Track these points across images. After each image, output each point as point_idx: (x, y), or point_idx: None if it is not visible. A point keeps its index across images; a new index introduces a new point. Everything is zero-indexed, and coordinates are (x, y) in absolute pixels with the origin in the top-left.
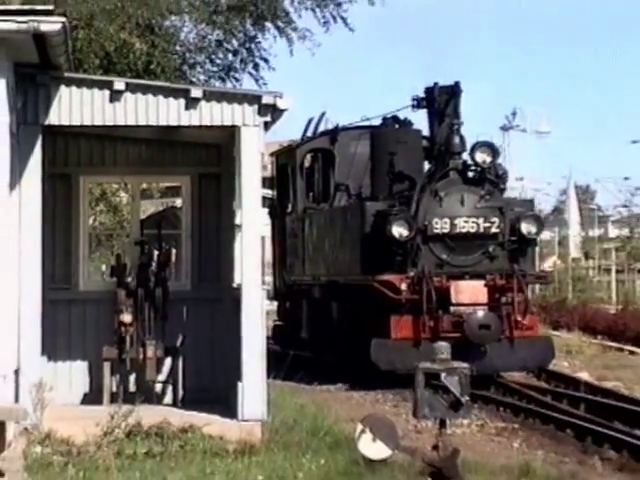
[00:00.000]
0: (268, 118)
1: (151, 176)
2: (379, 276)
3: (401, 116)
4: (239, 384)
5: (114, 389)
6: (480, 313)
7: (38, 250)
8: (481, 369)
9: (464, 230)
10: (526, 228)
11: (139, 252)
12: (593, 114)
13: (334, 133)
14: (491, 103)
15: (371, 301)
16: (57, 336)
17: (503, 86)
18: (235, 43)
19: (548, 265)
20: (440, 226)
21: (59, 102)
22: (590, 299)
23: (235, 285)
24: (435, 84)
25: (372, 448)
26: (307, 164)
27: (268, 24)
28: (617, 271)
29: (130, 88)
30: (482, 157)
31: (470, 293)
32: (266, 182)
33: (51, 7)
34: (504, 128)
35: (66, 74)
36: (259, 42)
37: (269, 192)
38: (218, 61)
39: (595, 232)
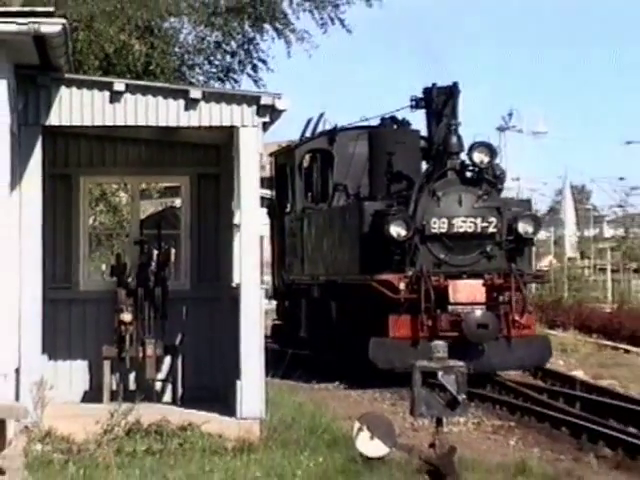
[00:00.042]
0: (267, 119)
1: (151, 176)
2: (377, 275)
3: (399, 116)
4: (238, 382)
5: (114, 387)
6: (478, 312)
7: (38, 250)
8: (479, 368)
9: (462, 230)
10: (523, 228)
11: (139, 252)
12: (589, 115)
13: (332, 133)
14: (488, 104)
15: (369, 300)
16: (57, 335)
17: (500, 87)
18: (234, 44)
19: (544, 265)
20: (438, 226)
21: (59, 103)
22: (586, 298)
23: (234, 284)
24: (433, 85)
25: (370, 446)
26: (306, 164)
27: (266, 26)
28: (612, 271)
29: (130, 89)
30: (480, 157)
31: (468, 292)
32: (265, 182)
33: (51, 9)
34: (501, 129)
35: (66, 75)
36: (257, 44)
37: (268, 192)
38: (217, 62)
39: (591, 232)
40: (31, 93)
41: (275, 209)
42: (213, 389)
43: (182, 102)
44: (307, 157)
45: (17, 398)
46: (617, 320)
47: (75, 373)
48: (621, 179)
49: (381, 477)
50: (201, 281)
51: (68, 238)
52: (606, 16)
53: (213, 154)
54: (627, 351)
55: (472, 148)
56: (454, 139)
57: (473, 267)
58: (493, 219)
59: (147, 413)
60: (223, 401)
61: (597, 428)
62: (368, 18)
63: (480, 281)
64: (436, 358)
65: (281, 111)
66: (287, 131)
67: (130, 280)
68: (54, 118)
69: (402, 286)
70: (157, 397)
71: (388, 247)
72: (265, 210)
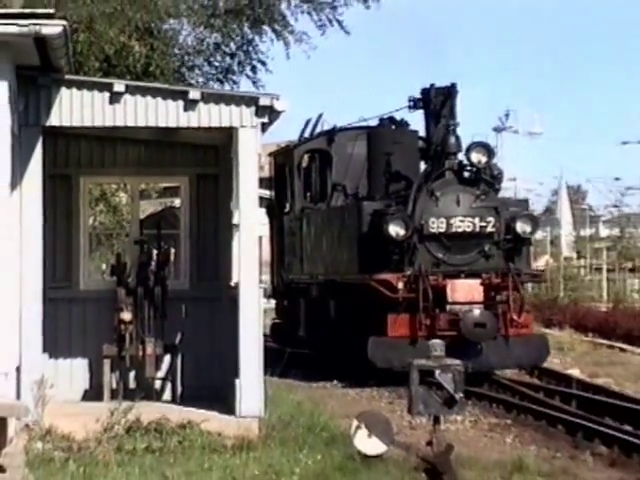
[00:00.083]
0: (265, 119)
1: (150, 177)
2: (376, 275)
3: (398, 117)
4: (237, 381)
5: (114, 386)
6: (476, 311)
7: (39, 249)
8: (477, 367)
9: (460, 229)
10: (521, 227)
11: (139, 251)
12: (584, 116)
13: (331, 134)
14: (484, 105)
15: (368, 299)
16: (58, 334)
17: (496, 88)
18: (233, 46)
19: (541, 264)
20: (436, 225)
21: (60, 104)
22: (581, 297)
23: (233, 284)
24: (431, 85)
25: (367, 444)
26: (305, 164)
27: (265, 27)
28: (608, 270)
29: (130, 90)
30: (478, 157)
31: (466, 292)
32: (263, 182)
33: (52, 11)
34: (497, 129)
35: (67, 76)
36: (256, 45)
37: (266, 192)
38: (216, 64)
39: (586, 232)
40: (32, 94)
41: (274, 209)
42: (212, 387)
43: (181, 103)
44: (306, 157)
45: (18, 396)
46: (612, 319)
47: (75, 372)
48: (617, 179)
49: (379, 475)
50: (200, 280)
51: (68, 238)
52: (604, 16)
53: (212, 155)
54: (622, 350)
55: (470, 148)
56: (452, 139)
57: (471, 266)
58: (491, 219)
59: (147, 411)
60: (222, 399)
61: (593, 426)
62: (367, 19)
63: (478, 280)
64: (433, 357)
65: (279, 112)
66: (286, 132)
67: (130, 279)
68: (54, 119)
69: (400, 285)
70: (157, 395)
71: (387, 247)
72: (264, 210)
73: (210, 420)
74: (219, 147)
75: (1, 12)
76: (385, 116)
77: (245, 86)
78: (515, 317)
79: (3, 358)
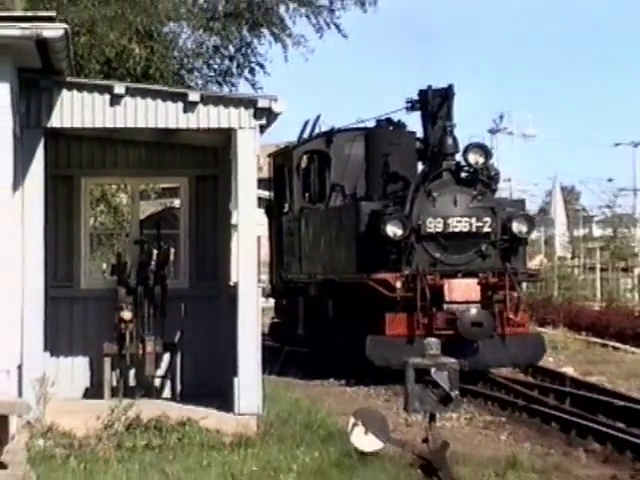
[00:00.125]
0: (263, 121)
1: (150, 178)
2: (374, 274)
3: (395, 118)
4: (235, 379)
5: (114, 384)
6: (473, 310)
7: (41, 249)
8: (474, 365)
9: (457, 229)
10: (517, 227)
11: (139, 251)
12: (578, 118)
13: (329, 135)
14: (479, 107)
15: (366, 299)
16: (59, 332)
17: (490, 90)
18: (231, 49)
19: (535, 264)
20: (434, 225)
21: (61, 106)
22: (575, 297)
23: (232, 283)
24: (429, 87)
25: (364, 441)
26: (303, 165)
27: (264, 30)
28: (601, 269)
29: (130, 92)
30: (475, 158)
31: (463, 291)
32: (262, 183)
33: (53, 14)
34: (492, 131)
35: (68, 79)
36: (255, 48)
37: (265, 193)
38: (215, 66)
39: (580, 232)
40: (33, 96)
41: (273, 209)
42: (211, 385)
43: (181, 105)
44: (305, 158)
45: (20, 394)
46: (606, 318)
47: (76, 370)
48: (610, 180)
49: (375, 471)
50: (200, 280)
51: (69, 238)
52: (597, 19)
53: (211, 156)
54: (615, 348)
55: (467, 149)
56: (449, 140)
57: (468, 266)
58: (488, 219)
59: (147, 409)
60: (221, 397)
61: (586, 423)
62: (364, 21)
63: (475, 280)
64: (429, 355)
65: (277, 113)
66: (285, 133)
67: (130, 279)
68: (56, 120)
69: (398, 285)
70: (156, 393)
71: (384, 246)
72: (262, 210)
73: (209, 417)
74: (218, 148)
75: (3, 15)
76: (383, 117)
77: (244, 88)
78: (512, 316)
79: (5, 356)
